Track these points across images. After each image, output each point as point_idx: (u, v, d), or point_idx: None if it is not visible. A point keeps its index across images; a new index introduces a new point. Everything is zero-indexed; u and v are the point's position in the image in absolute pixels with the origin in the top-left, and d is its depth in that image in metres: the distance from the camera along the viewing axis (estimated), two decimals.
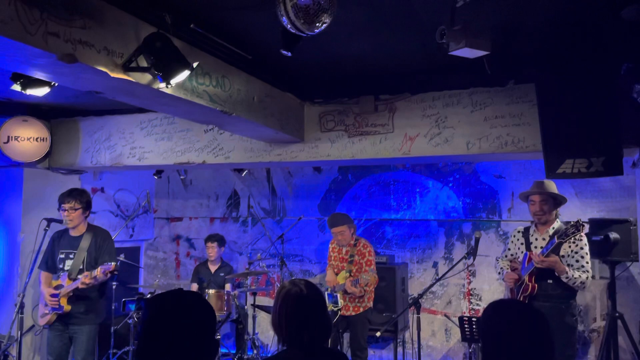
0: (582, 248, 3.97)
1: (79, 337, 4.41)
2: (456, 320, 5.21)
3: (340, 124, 4.94)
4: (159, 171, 6.41)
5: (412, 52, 3.97)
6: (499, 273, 4.40)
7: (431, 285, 4.80)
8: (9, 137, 5.45)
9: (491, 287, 5.92)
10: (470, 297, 6.03)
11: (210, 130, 5.30)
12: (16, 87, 3.63)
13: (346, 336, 5.58)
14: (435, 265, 6.23)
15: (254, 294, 6.07)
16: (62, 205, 4.42)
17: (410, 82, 4.67)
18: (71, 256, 4.46)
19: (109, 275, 4.30)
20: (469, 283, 6.04)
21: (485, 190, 6.06)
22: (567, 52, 3.82)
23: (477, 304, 5.97)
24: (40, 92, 3.71)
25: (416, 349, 4.63)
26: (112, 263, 4.28)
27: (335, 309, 5.21)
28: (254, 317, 5.99)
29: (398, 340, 6.02)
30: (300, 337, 2.15)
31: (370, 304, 5.25)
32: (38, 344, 5.72)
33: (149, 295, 6.04)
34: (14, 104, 5.43)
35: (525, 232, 4.25)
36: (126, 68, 2.98)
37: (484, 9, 2.92)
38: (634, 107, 3.75)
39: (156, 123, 5.50)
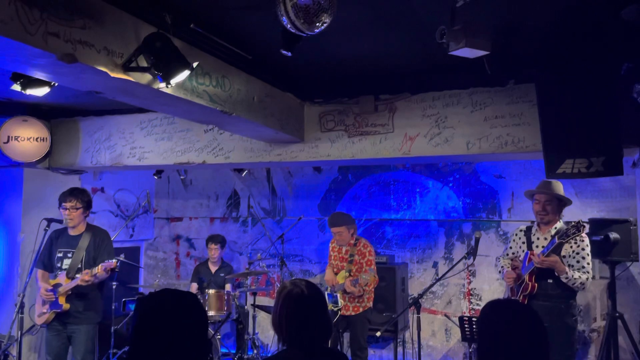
0: (583, 249, 3.96)
1: (78, 336, 4.41)
2: (456, 320, 5.21)
3: (340, 124, 4.94)
4: (159, 171, 6.41)
5: (412, 52, 3.97)
6: (500, 272, 4.39)
7: (431, 285, 4.80)
8: (9, 137, 5.45)
9: (491, 287, 5.92)
10: (470, 297, 6.03)
11: (210, 130, 5.30)
12: (16, 87, 3.63)
13: (346, 336, 5.58)
14: (435, 265, 6.23)
15: (254, 294, 6.07)
16: (63, 204, 4.43)
17: (410, 82, 4.67)
18: (69, 255, 4.46)
19: (109, 272, 4.31)
20: (469, 283, 6.04)
21: (485, 190, 6.06)
22: (567, 52, 3.83)
23: (477, 304, 5.97)
24: (40, 92, 3.70)
25: (416, 349, 4.63)
26: (114, 260, 4.29)
27: (335, 309, 5.21)
28: (254, 317, 5.99)
29: (398, 340, 6.02)
30: (301, 337, 2.16)
31: (370, 304, 5.25)
32: (36, 344, 5.72)
33: None
34: (14, 104, 5.43)
35: (527, 232, 4.25)
36: (126, 68, 2.98)
37: (484, 9, 2.92)
38: (634, 107, 3.75)
39: (156, 123, 5.50)
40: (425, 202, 6.32)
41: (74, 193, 4.46)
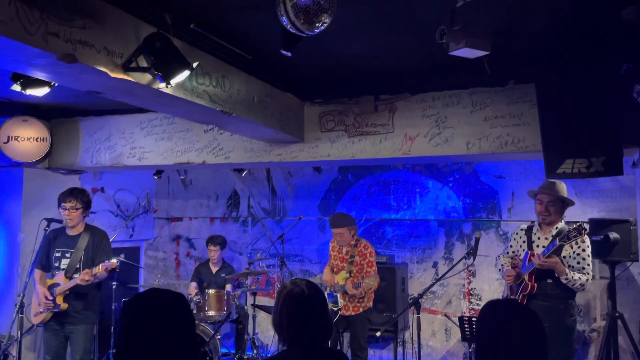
0: (584, 250, 3.96)
1: (76, 336, 4.41)
2: (456, 320, 5.21)
3: (340, 124, 4.94)
4: (159, 171, 6.42)
5: (412, 52, 3.97)
6: (500, 270, 4.39)
7: (431, 285, 4.79)
8: (9, 137, 5.45)
9: (491, 287, 5.92)
10: (470, 297, 6.03)
11: (210, 130, 5.30)
12: (16, 87, 3.63)
13: (346, 336, 5.58)
14: (435, 265, 6.23)
15: (254, 294, 6.07)
16: (63, 204, 4.43)
17: (410, 82, 4.67)
18: (67, 255, 4.46)
19: (109, 272, 4.32)
20: (469, 283, 6.04)
21: (485, 190, 6.06)
22: (567, 52, 3.83)
23: (477, 304, 5.97)
24: (40, 92, 3.71)
25: (416, 349, 4.63)
26: (114, 260, 4.29)
27: (335, 309, 5.21)
28: (254, 317, 5.99)
29: (398, 340, 6.02)
30: (301, 337, 2.16)
31: (370, 304, 5.25)
32: (32, 343, 5.71)
33: None
34: (14, 104, 5.43)
35: (528, 231, 4.24)
36: (126, 68, 2.98)
37: (484, 9, 2.92)
38: (634, 107, 3.75)
39: (156, 123, 5.50)
40: (425, 202, 6.32)
41: (74, 193, 4.46)
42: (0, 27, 2.30)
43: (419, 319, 4.20)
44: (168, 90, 3.27)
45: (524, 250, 4.18)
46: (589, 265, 3.96)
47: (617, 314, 4.60)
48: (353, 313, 5.19)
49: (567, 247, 3.90)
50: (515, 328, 1.90)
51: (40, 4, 2.47)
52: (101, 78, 2.94)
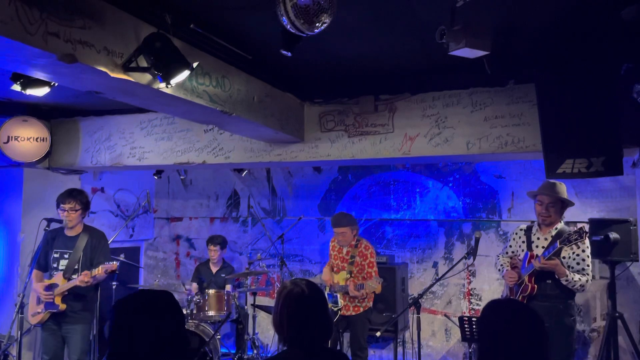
0: (583, 251, 3.96)
1: (73, 336, 4.41)
2: (456, 320, 5.21)
3: (340, 124, 4.94)
4: (159, 171, 6.41)
5: (412, 52, 3.97)
6: (499, 270, 4.39)
7: (431, 285, 4.80)
8: (9, 137, 5.45)
9: (491, 287, 5.92)
10: (470, 297, 6.03)
11: (210, 130, 5.30)
12: (16, 87, 3.63)
13: (346, 336, 5.57)
14: (435, 265, 6.23)
15: (254, 294, 6.07)
16: (62, 205, 4.43)
17: (410, 82, 4.67)
18: (66, 256, 4.45)
19: (108, 274, 4.31)
20: (469, 283, 6.04)
21: (485, 190, 6.06)
22: (567, 52, 3.83)
23: (477, 304, 5.97)
24: (40, 92, 3.71)
25: (416, 349, 4.63)
26: (114, 262, 4.29)
27: (335, 309, 5.21)
28: (254, 317, 5.99)
29: (398, 340, 6.02)
30: (301, 337, 2.16)
31: (371, 304, 5.25)
32: (30, 343, 5.70)
33: None
34: (14, 104, 5.43)
35: (528, 231, 4.24)
36: (126, 68, 2.98)
37: (484, 9, 2.92)
38: (634, 107, 3.75)
39: (156, 123, 5.50)
40: (425, 202, 6.32)
41: (73, 194, 4.46)
42: (0, 27, 2.30)
43: (419, 319, 4.20)
44: (168, 90, 3.28)
45: (523, 250, 4.18)
46: (588, 266, 3.96)
47: (617, 314, 4.60)
48: (353, 313, 5.19)
49: (566, 248, 3.90)
50: (516, 327, 1.91)
51: (40, 4, 2.47)
52: (101, 78, 2.95)
